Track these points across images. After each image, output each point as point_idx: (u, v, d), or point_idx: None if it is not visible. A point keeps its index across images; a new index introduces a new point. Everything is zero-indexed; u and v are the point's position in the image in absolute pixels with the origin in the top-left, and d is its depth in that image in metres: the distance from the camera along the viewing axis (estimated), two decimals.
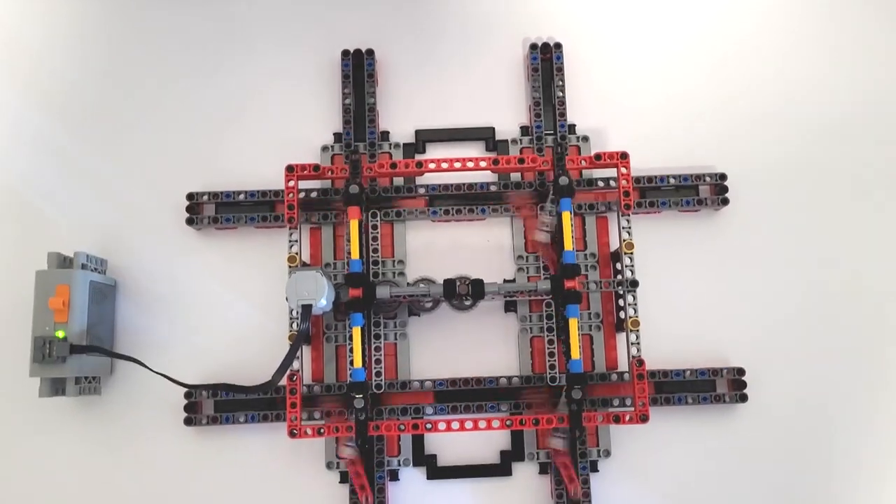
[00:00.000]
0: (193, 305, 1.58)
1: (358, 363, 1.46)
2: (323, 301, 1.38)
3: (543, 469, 1.61)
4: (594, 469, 1.59)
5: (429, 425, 1.49)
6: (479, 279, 1.50)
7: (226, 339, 1.58)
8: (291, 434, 1.48)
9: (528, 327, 1.64)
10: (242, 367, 1.62)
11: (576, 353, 1.48)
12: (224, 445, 1.55)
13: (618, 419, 1.49)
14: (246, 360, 1.63)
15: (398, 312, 1.63)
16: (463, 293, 1.49)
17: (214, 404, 1.61)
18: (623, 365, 1.62)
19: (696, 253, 1.61)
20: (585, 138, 1.69)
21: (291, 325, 1.49)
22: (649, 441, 1.54)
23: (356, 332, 1.47)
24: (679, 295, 1.60)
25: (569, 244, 1.50)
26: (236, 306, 1.61)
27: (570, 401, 1.48)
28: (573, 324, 1.48)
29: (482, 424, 1.49)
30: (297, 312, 1.40)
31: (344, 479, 1.59)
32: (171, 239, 1.59)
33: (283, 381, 1.49)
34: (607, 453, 1.60)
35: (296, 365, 1.52)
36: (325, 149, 1.69)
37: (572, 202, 1.53)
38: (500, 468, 1.60)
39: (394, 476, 1.61)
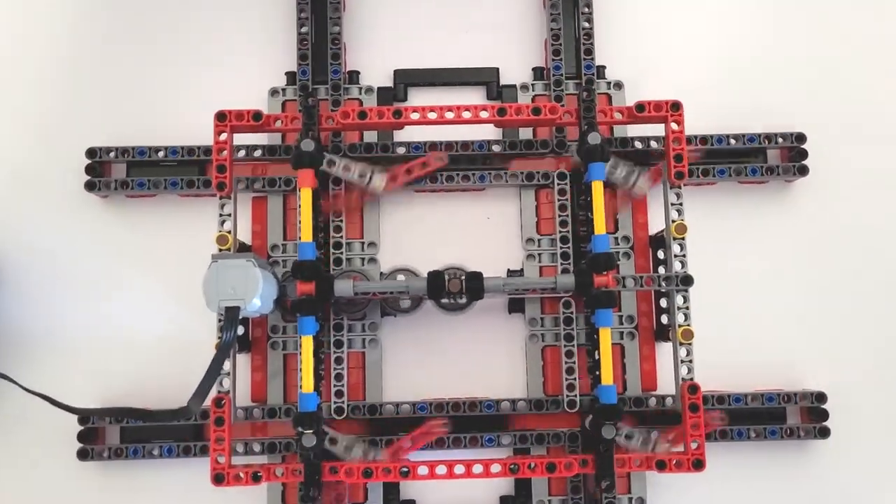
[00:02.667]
0: (95, 298, 1.26)
1: (308, 386, 1.07)
2: (256, 301, 0.98)
3: None
4: None
5: (405, 469, 1.10)
6: (477, 273, 1.10)
7: (138, 345, 1.27)
8: (216, 480, 1.08)
9: (540, 334, 1.24)
10: (161, 383, 1.23)
11: (608, 376, 1.08)
12: (132, 486, 1.24)
13: (663, 465, 1.09)
14: (166, 373, 1.23)
15: (367, 311, 1.23)
16: (454, 291, 1.08)
17: (120, 432, 1.21)
18: (665, 386, 1.22)
19: (761, 238, 1.29)
20: (618, 85, 1.29)
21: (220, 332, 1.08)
22: (697, 488, 1.24)
23: (306, 345, 1.07)
24: (738, 295, 1.28)
25: (601, 225, 1.10)
26: (153, 301, 1.26)
27: (598, 440, 1.09)
28: (605, 336, 1.09)
29: (477, 469, 1.09)
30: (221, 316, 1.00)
31: None
32: (66, 209, 1.27)
33: (208, 405, 1.09)
34: (641, 503, 1.21)
35: (226, 384, 1.12)
36: (274, 93, 1.28)
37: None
38: None
39: None
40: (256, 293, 0.97)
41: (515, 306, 1.25)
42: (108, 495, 1.21)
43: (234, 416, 1.13)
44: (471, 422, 1.21)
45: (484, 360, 1.26)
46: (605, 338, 1.09)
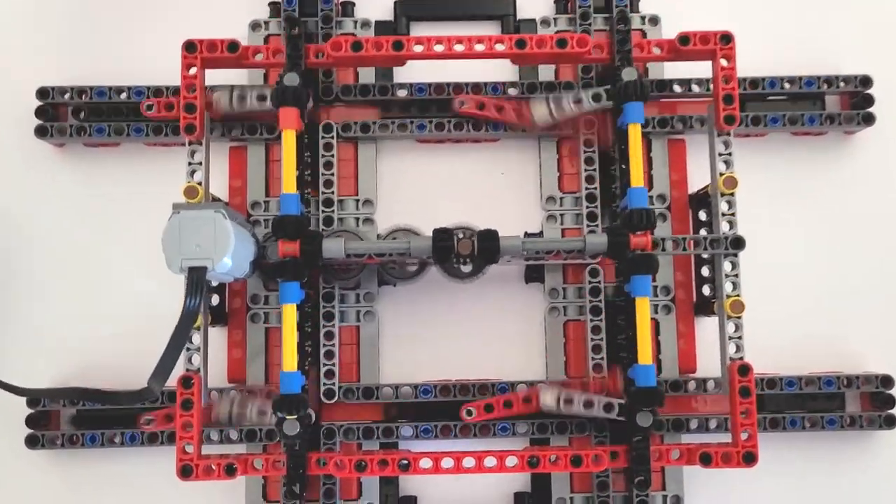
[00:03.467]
0: (48, 263, 1.11)
1: (290, 364, 0.90)
2: (226, 261, 0.81)
3: None
4: None
5: (405, 462, 0.93)
6: (491, 231, 0.93)
7: (98, 317, 1.11)
8: (183, 473, 0.92)
9: (562, 307, 1.07)
10: (124, 361, 1.07)
11: (646, 354, 0.92)
12: (88, 479, 1.08)
13: (708, 460, 0.93)
14: (129, 348, 1.07)
15: (362, 279, 1.06)
16: (464, 253, 0.92)
17: (75, 417, 1.05)
18: (707, 368, 1.06)
19: (817, 199, 1.13)
20: (654, 20, 1.12)
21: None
22: (742, 485, 1.07)
23: (288, 315, 0.90)
24: (789, 263, 1.10)
25: (638, 176, 0.93)
26: (116, 266, 1.10)
27: (632, 429, 0.93)
28: (643, 308, 0.92)
29: (490, 463, 0.93)
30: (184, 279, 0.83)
31: None
32: (14, 159, 1.12)
33: (173, 386, 0.93)
34: (677, 501, 1.05)
35: (196, 361, 0.96)
36: (255, 27, 1.11)
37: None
38: None
39: None
40: (227, 251, 0.80)
41: (533, 275, 1.09)
42: (61, 489, 1.05)
43: (205, 399, 0.97)
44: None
45: (497, 336, 1.09)
46: (643, 309, 0.92)
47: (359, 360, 1.07)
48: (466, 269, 1.02)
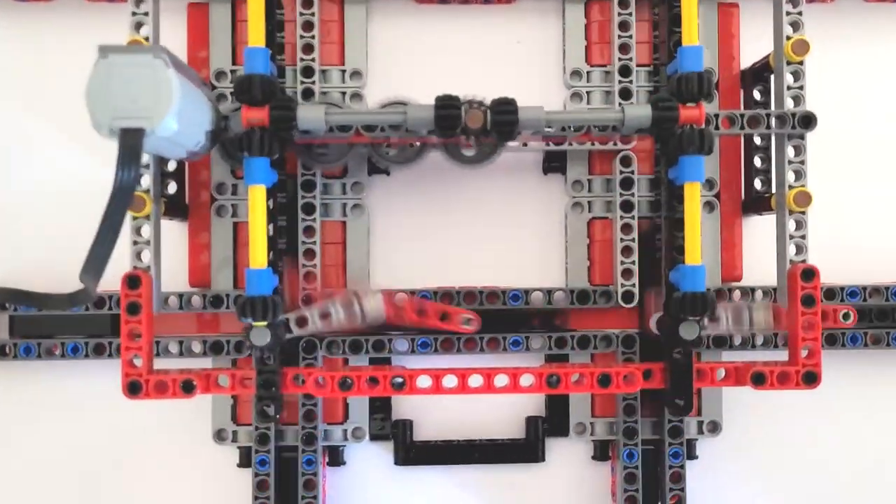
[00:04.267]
0: None
1: (258, 258, 0.74)
2: (170, 122, 0.63)
3: (602, 451, 0.91)
4: (691, 455, 0.89)
5: (398, 380, 0.78)
6: (508, 99, 0.75)
7: (31, 205, 0.95)
8: (130, 390, 0.76)
9: (586, 202, 0.91)
10: (62, 256, 0.89)
11: (694, 252, 0.75)
12: (23, 397, 0.93)
13: (761, 379, 0.77)
14: (69, 243, 0.89)
15: (349, 166, 0.89)
16: (474, 127, 0.74)
17: (9, 324, 0.89)
18: (754, 274, 0.90)
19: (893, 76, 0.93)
20: None
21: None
22: (790, 408, 0.92)
23: (255, 198, 0.73)
24: (858, 151, 0.93)
25: (691, 33, 0.75)
26: (52, 143, 0.88)
27: (673, 342, 0.77)
28: (692, 196, 0.75)
29: (501, 382, 0.78)
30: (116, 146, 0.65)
31: (246, 461, 0.89)
32: None
33: (117, 288, 0.77)
34: (714, 428, 0.90)
35: (145, 257, 0.79)
36: None
37: None
38: (525, 449, 0.91)
39: (335, 458, 0.90)
40: (170, 108, 0.62)
41: (553, 163, 0.91)
42: None
43: (158, 304, 0.80)
44: (491, 319, 0.88)
45: (509, 236, 0.92)
46: (693, 197, 0.75)
47: (345, 263, 0.90)
48: (472, 151, 0.84)
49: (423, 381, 0.78)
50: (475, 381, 0.78)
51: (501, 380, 0.78)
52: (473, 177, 0.92)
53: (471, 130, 0.75)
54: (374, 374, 0.78)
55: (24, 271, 0.90)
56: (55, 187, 0.91)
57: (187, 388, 0.77)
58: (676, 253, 0.78)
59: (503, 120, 0.74)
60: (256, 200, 0.73)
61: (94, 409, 0.91)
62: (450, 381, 0.78)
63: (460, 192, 0.92)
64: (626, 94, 0.88)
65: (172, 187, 0.88)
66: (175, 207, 0.88)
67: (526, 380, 0.78)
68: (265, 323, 0.73)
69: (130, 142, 0.62)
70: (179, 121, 0.64)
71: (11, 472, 0.91)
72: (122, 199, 0.65)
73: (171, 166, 0.87)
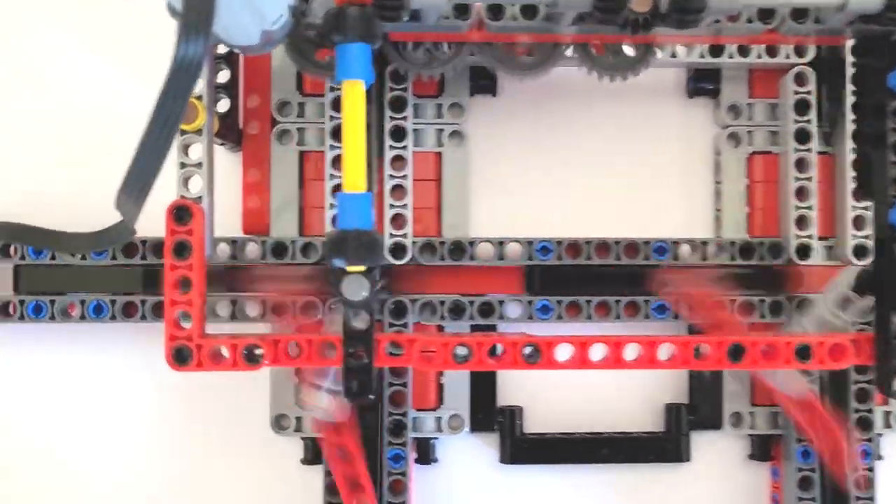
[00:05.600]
0: None
1: (355, 179, 0.54)
2: None
3: (761, 449, 0.72)
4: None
5: (530, 350, 0.59)
6: None
7: (49, 129, 0.74)
8: (177, 357, 0.57)
9: (745, 131, 0.72)
10: (83, 190, 0.71)
11: None
12: (35, 368, 0.74)
13: None
14: (91, 175, 0.71)
15: (446, 82, 0.70)
16: (643, 10, 0.55)
17: (14, 275, 0.69)
18: None
19: None
20: None
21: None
22: None
23: (351, 97, 0.54)
24: None
25: None
26: (74, 51, 0.69)
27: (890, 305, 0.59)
28: None
29: (667, 352, 0.59)
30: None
31: (313, 457, 0.70)
32: None
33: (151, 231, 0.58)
34: None
35: (196, 184, 0.60)
36: None
37: None
38: (665, 445, 0.72)
39: (425, 454, 0.71)
40: None
41: (703, 83, 0.73)
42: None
43: (211, 247, 0.61)
44: (623, 276, 0.69)
45: (646, 175, 0.74)
46: None
47: (440, 205, 0.71)
48: (630, 50, 0.64)
49: (562, 353, 0.59)
50: (631, 351, 0.59)
51: (666, 350, 0.59)
52: (598, 99, 0.73)
53: (636, 17, 0.56)
54: (502, 341, 0.59)
55: (33, 205, 0.71)
56: (74, 104, 0.72)
57: (251, 359, 0.58)
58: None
59: (687, 5, 0.55)
60: (353, 100, 0.54)
61: (119, 388, 0.71)
62: (597, 350, 0.59)
63: (583, 119, 0.73)
64: None
65: (224, 105, 0.69)
66: (226, 131, 0.69)
67: (704, 348, 0.59)
68: (364, 268, 0.54)
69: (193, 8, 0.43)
70: None
71: (18, 465, 0.72)
72: (181, 85, 0.46)
73: (223, 77, 0.69)
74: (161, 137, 0.47)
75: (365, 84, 0.55)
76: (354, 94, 0.54)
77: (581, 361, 0.59)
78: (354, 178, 0.54)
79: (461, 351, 0.59)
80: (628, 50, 0.64)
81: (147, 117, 0.47)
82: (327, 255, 0.54)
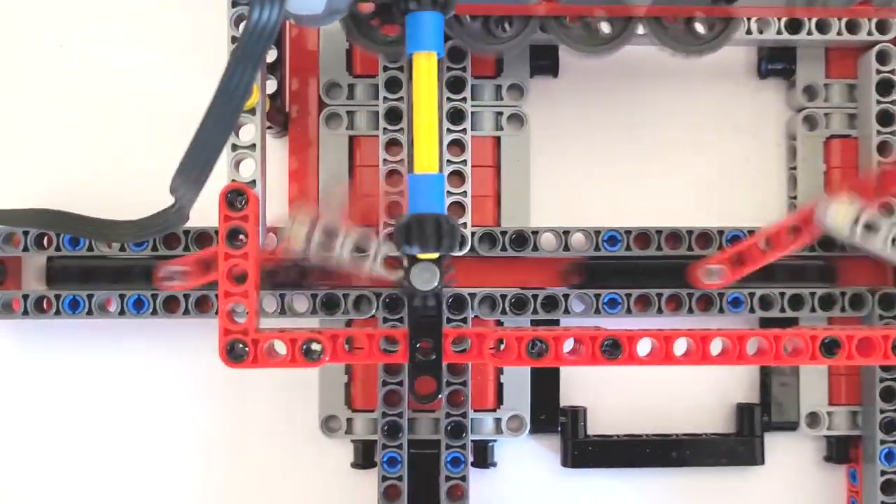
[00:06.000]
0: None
1: (427, 159, 0.50)
2: None
3: (840, 451, 0.68)
4: None
5: (610, 345, 0.55)
6: None
7: (91, 107, 0.70)
8: (231, 354, 0.53)
9: (822, 114, 0.68)
10: (122, 174, 0.67)
11: None
12: (67, 366, 0.69)
13: None
14: (137, 156, 0.67)
15: (505, 63, 0.66)
16: None
17: (47, 267, 0.65)
18: None
19: None
20: None
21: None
22: None
23: (423, 70, 0.50)
24: None
25: None
26: (117, 34, 0.66)
27: None
28: None
29: (716, 348, 0.55)
30: None
31: (364, 459, 0.66)
32: None
33: (213, 212, 0.54)
34: None
35: (247, 168, 0.56)
36: None
37: None
38: (738, 447, 0.68)
39: (482, 458, 0.67)
40: None
41: (776, 64, 0.69)
42: (22, 380, 0.67)
43: (263, 237, 0.57)
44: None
45: (714, 160, 0.69)
46: None
47: (498, 192, 0.67)
48: (702, 28, 0.60)
49: (644, 347, 0.55)
50: (716, 346, 0.55)
51: (754, 345, 0.55)
52: (664, 81, 0.69)
53: None
54: (577, 336, 0.54)
55: (69, 196, 0.67)
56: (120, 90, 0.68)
57: (310, 355, 0.54)
58: None
59: None
60: (425, 73, 0.50)
61: (160, 389, 0.67)
62: (683, 345, 0.55)
63: (648, 101, 0.69)
64: None
65: (271, 86, 0.65)
66: (274, 114, 0.65)
67: (795, 343, 0.55)
68: (436, 256, 0.50)
69: None
70: None
71: (54, 466, 0.67)
72: (254, 53, 0.41)
73: (270, 57, 0.64)
74: (228, 111, 0.43)
75: (438, 53, 0.51)
76: (428, 66, 0.50)
77: (665, 357, 0.55)
78: (427, 157, 0.50)
79: (537, 344, 0.55)
80: (700, 27, 0.60)
81: (214, 89, 0.43)
82: (398, 241, 0.50)
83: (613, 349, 0.55)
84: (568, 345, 0.55)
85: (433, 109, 0.50)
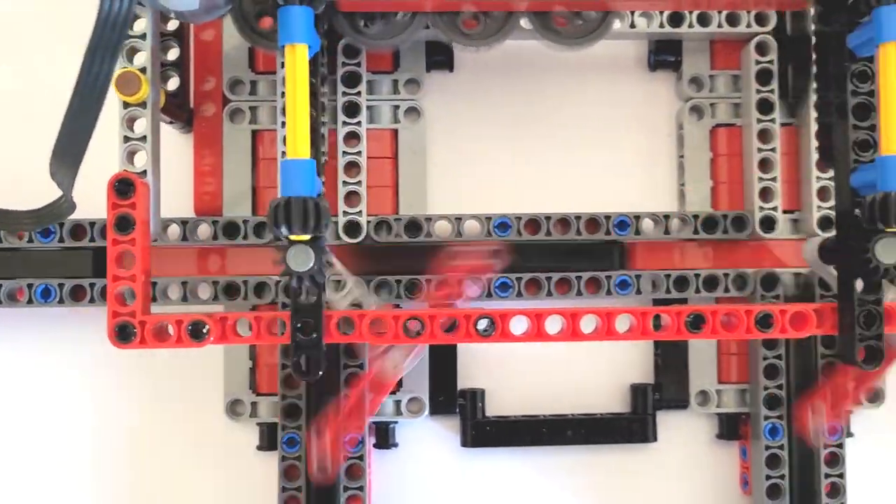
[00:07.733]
0: None
1: (299, 145, 0.53)
2: None
3: (730, 427, 0.70)
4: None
5: (485, 324, 0.57)
6: None
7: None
8: (120, 334, 0.56)
9: (708, 104, 0.71)
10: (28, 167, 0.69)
11: (893, 136, 0.55)
12: None
13: None
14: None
15: (402, 58, 0.69)
16: None
17: None
18: None
19: None
20: None
21: None
22: None
23: (293, 60, 0.52)
24: None
25: None
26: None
27: (858, 270, 0.57)
28: (890, 59, 0.55)
29: (588, 325, 0.58)
30: None
31: (268, 441, 0.68)
32: None
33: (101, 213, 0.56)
34: (877, 398, 0.71)
35: (140, 160, 0.59)
36: None
37: None
38: (632, 425, 0.70)
39: (384, 439, 0.69)
40: None
41: (663, 56, 0.71)
42: None
43: (156, 227, 0.60)
44: (585, 252, 0.68)
45: (606, 149, 0.72)
46: (892, 62, 0.55)
47: (396, 182, 0.70)
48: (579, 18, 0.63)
49: (519, 324, 0.58)
50: (587, 323, 0.58)
51: (624, 322, 0.57)
52: (558, 74, 0.72)
53: None
54: (454, 315, 0.57)
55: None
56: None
57: (196, 335, 0.56)
58: (859, 150, 0.58)
59: None
60: (296, 64, 0.52)
61: (67, 373, 0.69)
62: (554, 322, 0.57)
63: (542, 93, 0.72)
64: None
65: (174, 83, 0.67)
66: (176, 110, 0.67)
67: (664, 319, 0.57)
68: (308, 237, 0.53)
69: None
70: None
71: None
72: (108, 42, 0.44)
73: (173, 55, 0.67)
74: (91, 98, 0.45)
75: (310, 50, 0.54)
76: (297, 57, 0.53)
77: (537, 334, 0.57)
78: (297, 144, 0.53)
79: (415, 324, 0.57)
80: (577, 20, 0.63)
81: (75, 78, 0.46)
82: (271, 223, 0.53)
83: (489, 327, 0.57)
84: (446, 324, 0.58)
85: (304, 98, 0.53)
